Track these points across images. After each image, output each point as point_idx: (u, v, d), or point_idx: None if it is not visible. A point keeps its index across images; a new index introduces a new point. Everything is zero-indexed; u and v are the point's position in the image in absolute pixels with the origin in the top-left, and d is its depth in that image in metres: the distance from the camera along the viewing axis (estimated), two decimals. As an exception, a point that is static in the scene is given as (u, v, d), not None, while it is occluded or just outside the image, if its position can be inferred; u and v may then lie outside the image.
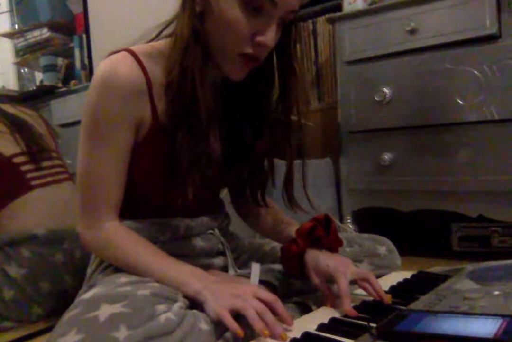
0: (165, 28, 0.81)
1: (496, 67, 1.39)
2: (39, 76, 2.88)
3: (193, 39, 0.73)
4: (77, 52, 2.59)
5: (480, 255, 1.46)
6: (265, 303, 0.63)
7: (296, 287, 0.85)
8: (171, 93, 0.74)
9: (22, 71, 3.02)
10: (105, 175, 0.75)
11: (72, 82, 2.56)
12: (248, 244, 1.00)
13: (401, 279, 0.87)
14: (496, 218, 1.43)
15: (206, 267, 0.82)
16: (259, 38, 0.72)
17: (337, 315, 0.69)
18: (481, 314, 0.59)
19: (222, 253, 0.90)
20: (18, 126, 1.18)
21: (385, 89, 1.58)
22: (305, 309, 0.78)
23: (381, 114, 1.60)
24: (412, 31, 1.52)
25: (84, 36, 2.52)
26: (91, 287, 0.74)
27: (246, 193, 0.91)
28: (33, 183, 1.12)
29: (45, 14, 2.71)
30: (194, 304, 0.67)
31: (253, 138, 0.87)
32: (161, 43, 0.80)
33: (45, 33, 2.70)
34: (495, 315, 0.57)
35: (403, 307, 0.68)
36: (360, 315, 0.67)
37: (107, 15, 2.33)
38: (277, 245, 0.96)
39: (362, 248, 0.96)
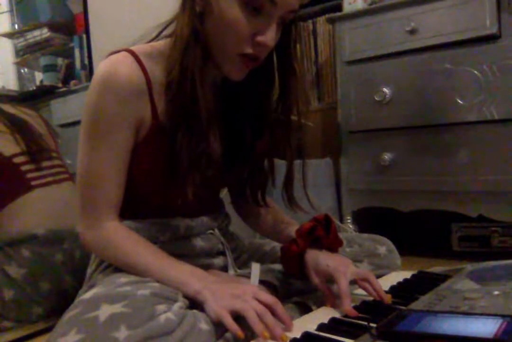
0: (165, 28, 0.81)
1: (496, 67, 1.39)
2: (39, 76, 2.88)
3: (193, 39, 0.73)
4: (77, 52, 2.59)
5: (480, 255, 1.45)
6: (265, 304, 0.63)
7: (296, 287, 0.85)
8: (171, 93, 0.74)
9: (22, 71, 3.02)
10: (105, 174, 0.75)
11: (72, 82, 2.56)
12: (248, 244, 1.00)
13: (401, 279, 0.87)
14: (496, 218, 1.43)
15: (206, 267, 0.82)
16: (259, 38, 0.72)
17: (337, 315, 0.69)
18: (481, 314, 0.59)
19: (222, 253, 0.90)
20: (18, 126, 1.18)
21: (385, 89, 1.58)
22: (305, 309, 0.78)
23: (381, 114, 1.60)
24: (412, 31, 1.52)
25: (84, 36, 2.52)
26: (91, 287, 0.74)
27: (246, 193, 0.91)
28: (33, 183, 1.12)
29: (45, 14, 2.71)
30: (194, 304, 0.67)
31: (253, 138, 0.87)
32: (161, 43, 0.80)
33: (45, 33, 2.70)
34: (495, 315, 0.57)
35: (403, 307, 0.68)
36: (360, 315, 0.67)
37: (107, 15, 2.33)
38: (277, 245, 0.96)
39: (362, 248, 0.96)
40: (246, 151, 0.87)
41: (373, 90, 1.60)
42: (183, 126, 0.74)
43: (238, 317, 0.62)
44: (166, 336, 0.57)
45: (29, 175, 1.12)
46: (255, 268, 0.79)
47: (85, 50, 2.52)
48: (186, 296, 0.67)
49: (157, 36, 0.83)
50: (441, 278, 0.85)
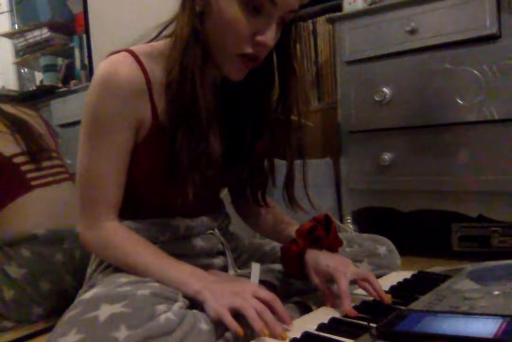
0: (165, 28, 0.81)
1: (496, 67, 1.39)
2: (39, 76, 2.88)
3: (193, 39, 0.73)
4: (77, 52, 2.59)
5: (480, 255, 1.46)
6: (264, 302, 0.63)
7: (296, 287, 0.85)
8: (171, 93, 0.74)
9: (22, 71, 3.02)
10: (105, 174, 0.75)
11: (72, 82, 2.56)
12: (248, 244, 1.00)
13: (401, 279, 0.87)
14: (496, 218, 1.43)
15: (206, 267, 0.82)
16: (259, 38, 0.72)
17: (337, 315, 0.68)
18: (481, 314, 0.59)
19: (222, 253, 0.90)
20: (18, 126, 1.18)
21: (385, 89, 1.58)
22: (305, 309, 0.78)
23: (381, 114, 1.60)
24: (412, 31, 1.52)
25: (84, 36, 2.52)
26: (91, 287, 0.74)
27: (247, 193, 0.91)
28: (33, 183, 1.12)
29: (45, 14, 2.71)
30: (194, 304, 0.67)
31: (253, 138, 0.87)
32: (161, 43, 0.80)
33: (45, 33, 2.70)
34: (495, 315, 0.57)
35: (403, 307, 0.68)
36: (360, 315, 0.67)
37: (107, 15, 2.33)
38: (277, 245, 0.96)
39: (362, 248, 0.96)
40: (246, 151, 0.87)
41: (373, 90, 1.60)
42: (183, 126, 0.74)
43: (238, 316, 0.62)
44: (166, 336, 0.57)
45: (29, 175, 1.12)
46: (255, 268, 0.79)
47: (85, 50, 2.52)
48: (186, 296, 0.67)
49: (157, 36, 0.83)
50: (441, 278, 0.85)
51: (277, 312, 0.63)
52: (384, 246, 0.99)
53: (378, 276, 0.84)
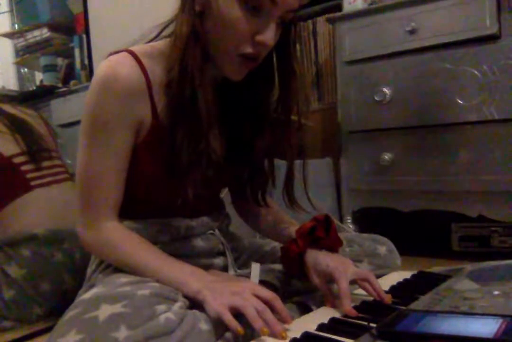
0: (165, 28, 0.81)
1: (496, 67, 1.39)
2: (39, 76, 2.89)
3: (193, 38, 0.73)
4: (77, 52, 2.60)
5: (480, 255, 1.46)
6: (264, 301, 0.63)
7: (296, 287, 0.85)
8: (171, 93, 0.74)
9: (22, 71, 3.03)
10: (105, 175, 0.75)
11: (72, 82, 2.56)
12: (248, 244, 1.00)
13: (401, 279, 0.87)
14: (496, 218, 1.43)
15: (206, 267, 0.82)
16: (259, 37, 0.72)
17: (337, 315, 0.68)
18: (481, 314, 0.59)
19: (222, 253, 0.90)
20: (18, 126, 1.18)
21: (385, 89, 1.58)
22: (305, 309, 0.78)
23: (381, 114, 1.60)
24: (412, 31, 1.52)
25: (84, 36, 2.53)
26: (91, 287, 0.73)
27: (247, 193, 0.91)
28: (33, 183, 1.12)
29: (45, 14, 2.71)
30: (194, 304, 0.67)
31: (253, 138, 0.87)
32: (160, 44, 0.80)
33: (45, 33, 2.70)
34: (495, 315, 0.57)
35: (403, 307, 0.68)
36: (360, 315, 0.67)
37: (107, 15, 2.33)
38: (277, 245, 0.96)
39: (362, 248, 0.96)
40: (246, 151, 0.87)
41: (373, 90, 1.60)
42: (183, 126, 0.74)
43: (238, 315, 0.62)
44: (166, 336, 0.57)
45: (29, 175, 1.12)
46: (255, 268, 0.79)
47: (85, 50, 2.53)
48: (186, 296, 0.67)
49: (157, 36, 0.83)
50: (441, 278, 0.85)
51: (277, 311, 0.63)
52: (384, 246, 0.99)
53: (378, 276, 0.84)
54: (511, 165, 1.38)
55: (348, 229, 1.66)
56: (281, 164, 0.88)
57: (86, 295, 0.63)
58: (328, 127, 1.94)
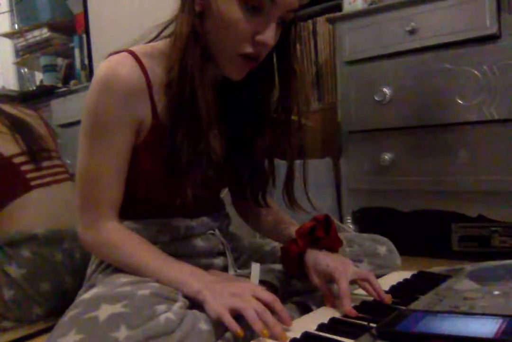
0: (165, 28, 0.81)
1: (496, 67, 1.39)
2: (39, 76, 2.89)
3: (193, 39, 0.73)
4: (77, 52, 2.60)
5: (480, 255, 1.46)
6: (264, 303, 0.63)
7: (296, 287, 0.85)
8: (171, 93, 0.74)
9: (22, 71, 3.03)
10: (105, 175, 0.75)
11: (72, 82, 2.56)
12: (248, 244, 1.00)
13: (401, 279, 0.87)
14: (496, 218, 1.43)
15: (206, 267, 0.82)
16: (259, 37, 0.72)
17: (337, 315, 0.69)
18: (481, 314, 0.59)
19: (222, 254, 0.90)
20: (18, 127, 1.18)
21: (385, 89, 1.58)
22: (305, 309, 0.78)
23: (381, 114, 1.60)
24: (412, 31, 1.52)
25: (84, 36, 2.52)
26: (91, 287, 0.74)
27: (247, 193, 0.91)
28: (33, 183, 1.12)
29: (45, 14, 2.71)
30: (194, 304, 0.67)
31: (253, 138, 0.87)
32: (160, 44, 0.80)
33: (45, 33, 2.70)
34: (495, 315, 0.57)
35: (403, 307, 0.68)
36: (360, 315, 0.67)
37: (107, 15, 2.33)
38: (277, 245, 0.96)
39: (362, 248, 0.96)
40: (246, 151, 0.87)
41: (373, 90, 1.60)
42: (183, 126, 0.74)
43: (238, 317, 0.62)
44: (166, 336, 0.57)
45: (29, 175, 1.12)
46: (255, 268, 0.79)
47: (85, 50, 2.53)
48: (186, 296, 0.67)
49: (157, 36, 0.83)
50: (441, 278, 0.85)
51: (276, 312, 0.63)
52: (384, 246, 0.99)
53: (378, 276, 0.84)
54: (511, 165, 1.38)
55: (348, 229, 1.66)
56: (281, 164, 0.88)
57: (86, 295, 0.63)
58: (328, 127, 1.94)
